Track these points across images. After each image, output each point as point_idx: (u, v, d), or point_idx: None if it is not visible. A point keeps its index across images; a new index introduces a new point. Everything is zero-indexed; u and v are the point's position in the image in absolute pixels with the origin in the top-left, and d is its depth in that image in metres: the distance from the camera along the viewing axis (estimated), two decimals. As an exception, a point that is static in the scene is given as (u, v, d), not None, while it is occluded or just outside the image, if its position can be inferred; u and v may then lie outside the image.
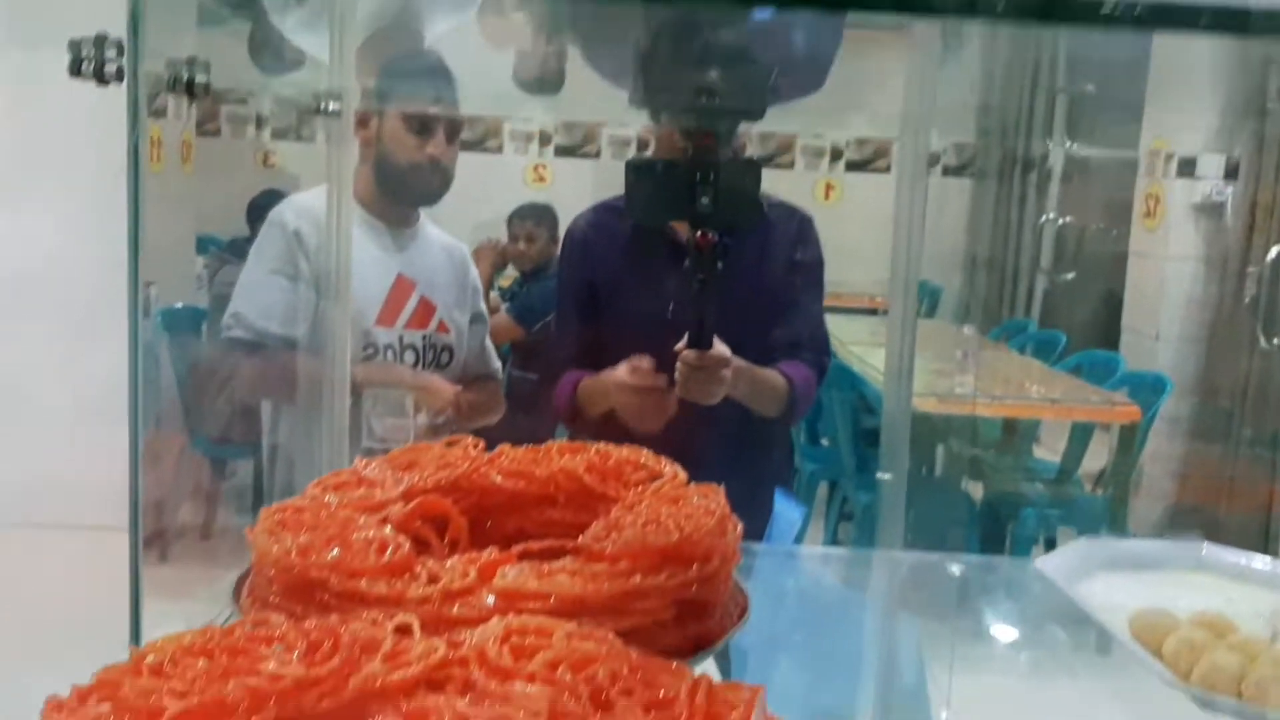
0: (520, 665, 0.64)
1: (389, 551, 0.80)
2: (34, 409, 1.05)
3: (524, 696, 0.61)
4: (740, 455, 1.67)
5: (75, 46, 0.98)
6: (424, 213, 1.95)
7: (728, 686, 0.60)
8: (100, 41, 0.97)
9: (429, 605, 0.75)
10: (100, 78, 0.95)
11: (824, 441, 4.24)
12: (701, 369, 1.55)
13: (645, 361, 1.62)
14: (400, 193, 1.88)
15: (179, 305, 3.84)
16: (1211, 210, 4.16)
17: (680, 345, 1.54)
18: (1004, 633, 1.33)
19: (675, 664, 0.64)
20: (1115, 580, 1.05)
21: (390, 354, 1.84)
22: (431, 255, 1.94)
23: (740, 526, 0.89)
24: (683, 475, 0.97)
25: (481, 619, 0.73)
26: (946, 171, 6.27)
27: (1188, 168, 4.20)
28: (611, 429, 1.64)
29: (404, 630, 0.69)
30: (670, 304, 1.66)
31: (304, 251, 1.77)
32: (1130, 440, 3.53)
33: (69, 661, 0.61)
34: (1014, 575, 1.56)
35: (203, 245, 4.42)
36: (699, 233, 1.40)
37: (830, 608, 1.48)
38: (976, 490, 3.82)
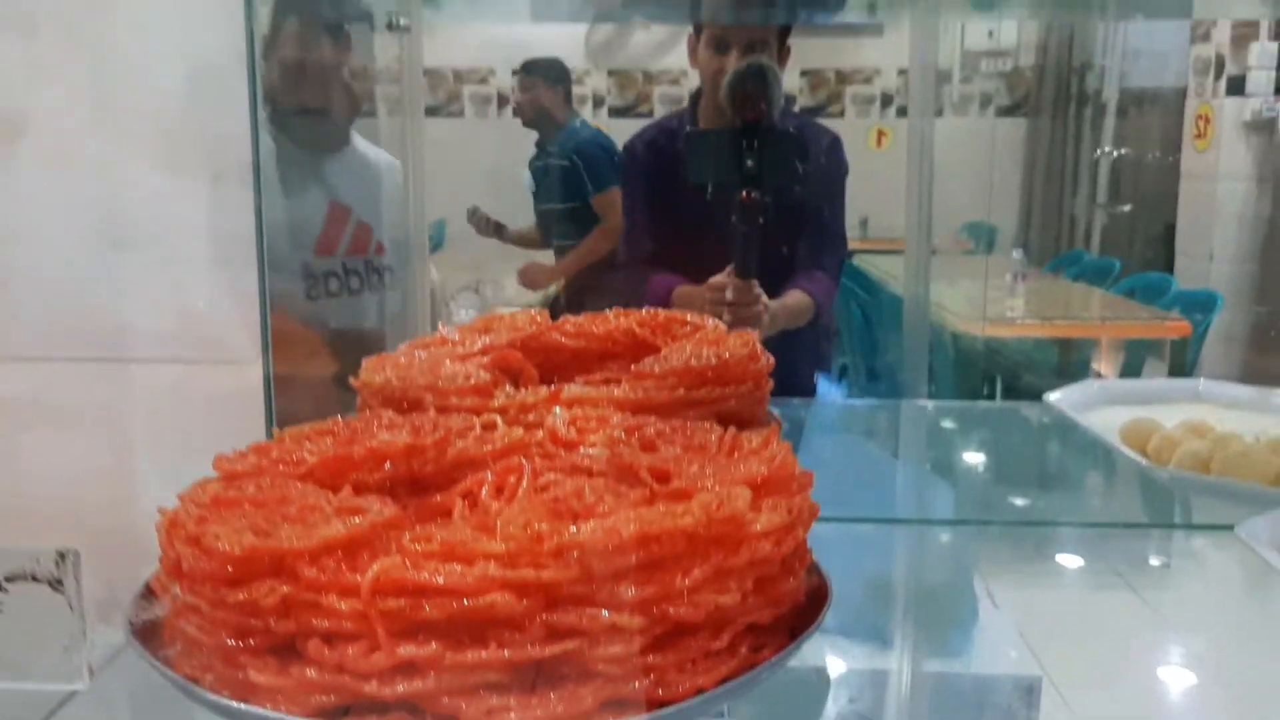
0: (584, 437, 0.79)
1: (474, 378, 0.95)
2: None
3: (588, 450, 0.76)
4: (782, 343, 1.81)
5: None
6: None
7: (753, 433, 0.74)
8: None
9: (508, 413, 0.90)
10: None
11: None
12: (738, 305, 1.69)
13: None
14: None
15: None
16: (1261, 127, 4.17)
17: (722, 277, 1.69)
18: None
19: (710, 423, 0.78)
20: (1118, 411, 1.16)
21: (334, 282, 1.77)
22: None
23: (771, 359, 1.02)
24: (723, 327, 1.11)
25: (552, 422, 0.88)
26: (1000, 112, 6.29)
27: (1237, 86, 4.21)
28: None
29: (490, 425, 0.84)
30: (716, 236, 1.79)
31: None
32: (1182, 356, 3.59)
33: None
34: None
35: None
36: (745, 192, 1.55)
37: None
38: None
